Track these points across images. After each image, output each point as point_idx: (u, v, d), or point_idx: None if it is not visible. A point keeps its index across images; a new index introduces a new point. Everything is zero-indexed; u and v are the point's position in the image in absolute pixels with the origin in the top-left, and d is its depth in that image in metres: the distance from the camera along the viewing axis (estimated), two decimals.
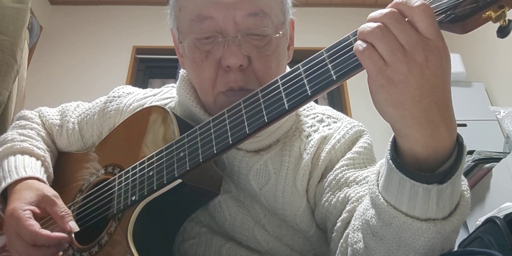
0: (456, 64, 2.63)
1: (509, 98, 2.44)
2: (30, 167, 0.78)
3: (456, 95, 2.58)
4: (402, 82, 0.43)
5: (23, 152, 0.81)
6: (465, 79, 2.64)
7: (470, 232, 1.69)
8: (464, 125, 2.43)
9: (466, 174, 1.94)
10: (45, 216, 0.69)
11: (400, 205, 0.49)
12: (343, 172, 0.69)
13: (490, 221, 1.43)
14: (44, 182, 0.76)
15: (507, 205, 1.53)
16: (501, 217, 1.42)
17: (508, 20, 0.47)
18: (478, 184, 1.94)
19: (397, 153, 0.49)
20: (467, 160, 1.94)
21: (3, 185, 0.74)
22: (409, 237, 0.49)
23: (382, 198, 0.51)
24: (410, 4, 0.44)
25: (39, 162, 0.81)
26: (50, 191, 0.71)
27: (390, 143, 0.50)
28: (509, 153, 1.82)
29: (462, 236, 1.86)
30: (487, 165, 1.88)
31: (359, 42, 0.46)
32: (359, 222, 0.57)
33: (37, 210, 0.68)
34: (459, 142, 0.47)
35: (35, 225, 0.64)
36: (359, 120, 0.82)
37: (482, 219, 1.55)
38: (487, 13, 0.46)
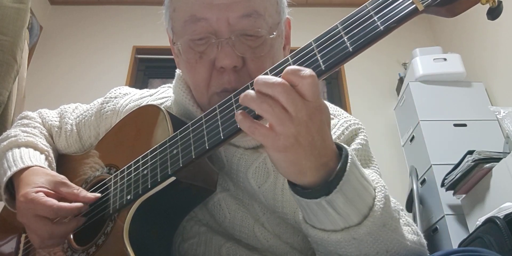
0: (456, 64, 2.62)
1: (509, 98, 2.43)
2: (36, 158, 0.79)
3: (456, 95, 2.61)
4: (294, 144, 0.48)
5: (28, 145, 0.83)
6: (465, 79, 2.64)
7: (470, 232, 1.69)
8: (464, 125, 2.43)
9: (466, 174, 1.94)
10: (56, 197, 0.70)
11: (314, 223, 0.55)
12: None
13: (490, 221, 1.43)
14: None
15: (507, 205, 1.52)
16: (501, 217, 1.42)
17: (498, 1, 0.47)
18: (478, 184, 1.94)
19: None
20: (467, 160, 1.94)
21: (9, 173, 0.75)
22: (335, 248, 0.55)
23: (304, 221, 0.57)
24: (300, 74, 0.47)
25: (43, 156, 0.82)
26: (58, 175, 0.73)
27: None
28: (509, 153, 1.81)
29: (462, 236, 1.86)
30: (487, 165, 1.88)
31: (248, 123, 0.49)
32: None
33: (47, 191, 0.69)
34: (344, 157, 0.52)
35: (52, 200, 0.66)
36: (359, 119, 0.82)
37: (482, 219, 1.55)
38: None
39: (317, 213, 0.53)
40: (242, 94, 0.50)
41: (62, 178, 0.72)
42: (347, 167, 0.51)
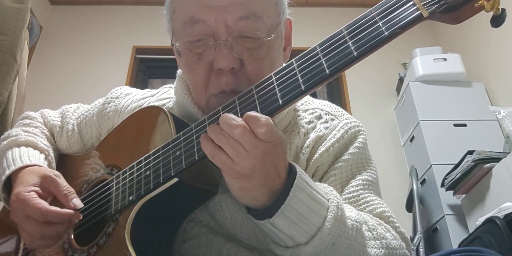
0: (456, 64, 2.62)
1: (509, 98, 2.43)
2: (35, 157, 0.79)
3: (456, 95, 2.61)
4: (249, 175, 0.53)
5: (28, 144, 0.83)
6: (465, 79, 2.64)
7: (470, 232, 1.69)
8: (464, 125, 2.43)
9: (466, 174, 1.94)
10: (50, 196, 0.70)
11: (272, 239, 0.59)
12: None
13: (490, 221, 1.43)
14: None
15: (507, 205, 1.53)
16: (501, 217, 1.42)
17: (502, 9, 0.47)
18: (478, 184, 1.94)
19: None
20: (467, 160, 1.94)
21: (7, 172, 0.75)
22: None
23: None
24: (257, 123, 0.52)
25: (42, 155, 0.82)
26: (51, 171, 0.73)
27: None
28: (509, 153, 1.81)
29: (462, 236, 1.86)
30: (487, 165, 1.88)
31: (210, 148, 0.54)
32: None
33: (40, 191, 0.68)
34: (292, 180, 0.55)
35: (42, 202, 0.65)
36: (359, 119, 0.82)
37: (482, 219, 1.55)
38: (479, 2, 0.47)
39: (267, 232, 0.58)
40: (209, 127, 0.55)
41: (56, 175, 0.71)
42: (290, 192, 0.54)
